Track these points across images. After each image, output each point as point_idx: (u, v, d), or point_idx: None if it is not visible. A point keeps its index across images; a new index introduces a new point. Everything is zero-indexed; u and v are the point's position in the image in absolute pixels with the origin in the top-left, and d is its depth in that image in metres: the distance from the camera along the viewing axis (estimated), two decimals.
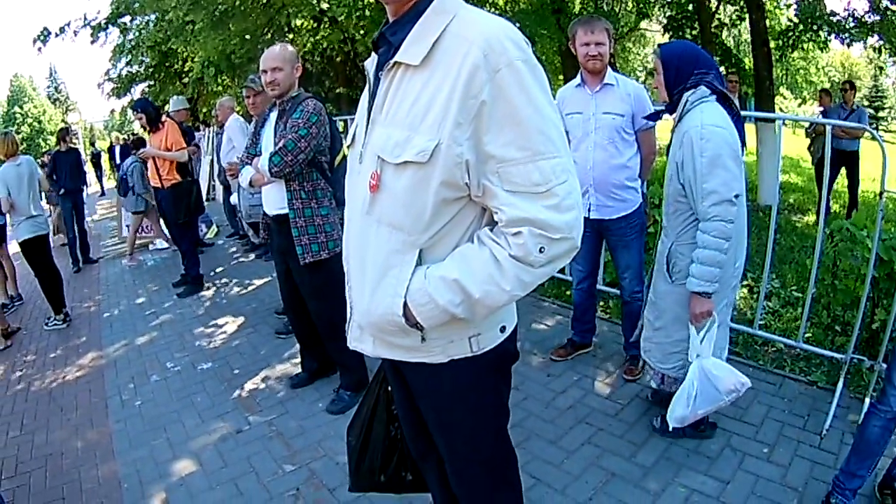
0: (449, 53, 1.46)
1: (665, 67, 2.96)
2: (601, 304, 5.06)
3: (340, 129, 4.72)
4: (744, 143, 2.91)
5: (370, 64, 1.72)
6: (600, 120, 3.73)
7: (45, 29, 13.23)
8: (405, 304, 1.56)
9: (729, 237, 2.78)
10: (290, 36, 12.31)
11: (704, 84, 2.83)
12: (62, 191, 8.86)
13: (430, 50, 1.48)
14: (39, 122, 55.04)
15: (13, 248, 7.74)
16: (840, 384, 3.70)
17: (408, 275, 1.55)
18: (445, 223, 1.56)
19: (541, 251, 1.46)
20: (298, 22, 12.27)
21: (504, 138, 1.43)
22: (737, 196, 2.75)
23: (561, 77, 12.60)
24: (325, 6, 10.16)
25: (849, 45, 10.74)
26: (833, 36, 10.88)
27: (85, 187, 9.74)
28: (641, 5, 14.56)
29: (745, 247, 3.04)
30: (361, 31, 11.68)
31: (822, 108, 10.54)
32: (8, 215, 6.53)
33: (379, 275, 1.60)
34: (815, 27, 10.73)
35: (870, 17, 10.28)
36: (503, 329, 1.76)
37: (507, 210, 1.46)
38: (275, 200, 3.82)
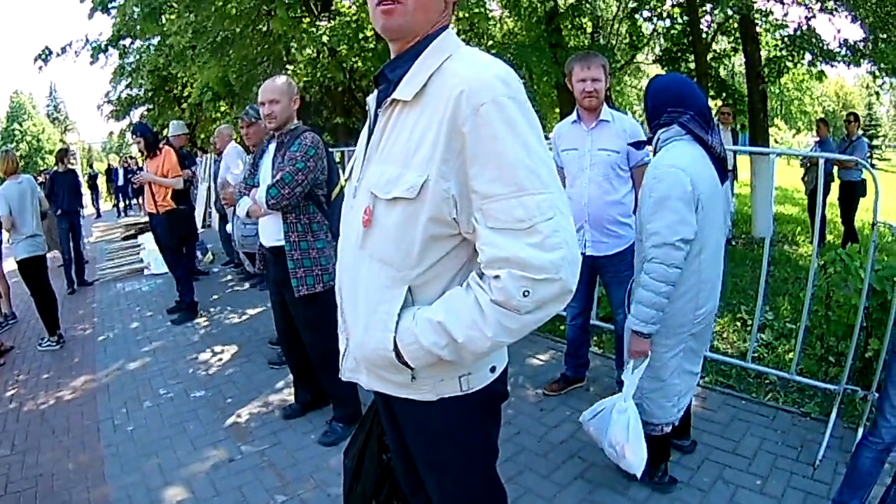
0: (439, 90, 1.48)
1: (645, 101, 2.99)
2: (594, 338, 5.07)
3: (337, 160, 4.74)
4: (734, 179, 2.89)
5: (371, 100, 1.74)
6: (595, 156, 3.76)
7: (47, 48, 13.29)
8: (395, 342, 1.56)
9: (669, 281, 2.73)
10: (290, 68, 12.38)
11: (678, 124, 2.81)
12: (59, 212, 8.88)
13: (423, 87, 1.51)
14: (38, 141, 55.07)
15: (7, 266, 7.75)
16: (833, 415, 3.71)
17: (396, 310, 1.56)
18: (436, 261, 1.56)
19: (525, 295, 1.40)
20: (295, 52, 12.36)
21: (488, 174, 1.42)
22: (682, 241, 2.68)
23: (557, 111, 12.70)
24: (325, 39, 10.22)
25: (848, 66, 10.84)
26: (823, 63, 10.99)
27: (81, 209, 9.73)
28: (634, 38, 14.69)
29: (713, 293, 2.94)
30: (360, 64, 11.77)
31: (818, 139, 10.65)
32: (7, 233, 6.53)
33: (370, 309, 1.61)
34: (804, 52, 10.84)
35: (862, 44, 10.40)
36: (493, 369, 1.75)
37: (487, 250, 1.44)
38: (271, 232, 3.84)
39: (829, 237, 9.85)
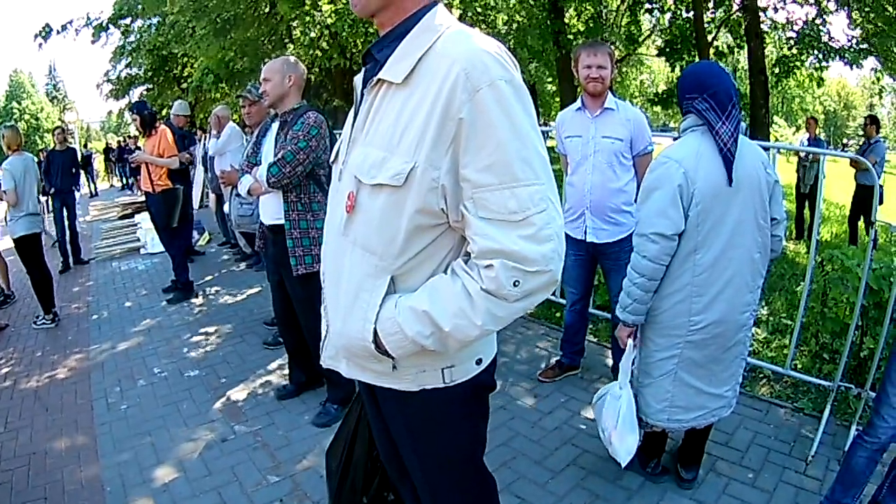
0: (431, 72, 1.42)
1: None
2: (590, 326, 5.07)
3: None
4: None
5: (358, 80, 1.69)
6: (599, 143, 3.75)
7: (48, 25, 13.26)
8: (375, 332, 1.52)
9: (642, 273, 2.69)
10: (290, 47, 12.33)
11: (692, 111, 2.68)
12: (52, 190, 8.82)
13: (413, 68, 1.44)
14: (37, 120, 54.97)
15: (2, 244, 7.72)
16: (827, 411, 3.71)
17: (378, 300, 1.51)
18: (420, 250, 1.51)
19: (515, 285, 1.39)
20: (298, 33, 12.32)
21: (481, 162, 1.37)
22: (657, 234, 2.60)
23: (557, 99, 12.69)
24: (329, 21, 10.19)
25: (851, 67, 10.91)
26: (835, 59, 11.03)
27: (76, 189, 9.62)
28: (634, 31, 14.65)
29: (716, 305, 2.71)
30: (360, 46, 11.73)
31: (808, 137, 10.65)
32: (8, 209, 6.51)
33: (351, 297, 1.57)
34: (811, 50, 10.88)
35: (868, 41, 10.47)
36: (479, 362, 1.71)
37: (479, 241, 1.40)
38: (272, 210, 3.84)
39: (825, 235, 9.86)
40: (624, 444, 2.93)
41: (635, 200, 3.77)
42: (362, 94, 1.62)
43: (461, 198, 1.43)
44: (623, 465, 2.97)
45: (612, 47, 3.89)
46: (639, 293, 2.74)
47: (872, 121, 9.44)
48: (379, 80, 1.51)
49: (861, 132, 10.19)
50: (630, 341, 2.93)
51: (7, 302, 7.56)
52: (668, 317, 2.78)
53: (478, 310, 1.42)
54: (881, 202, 8.82)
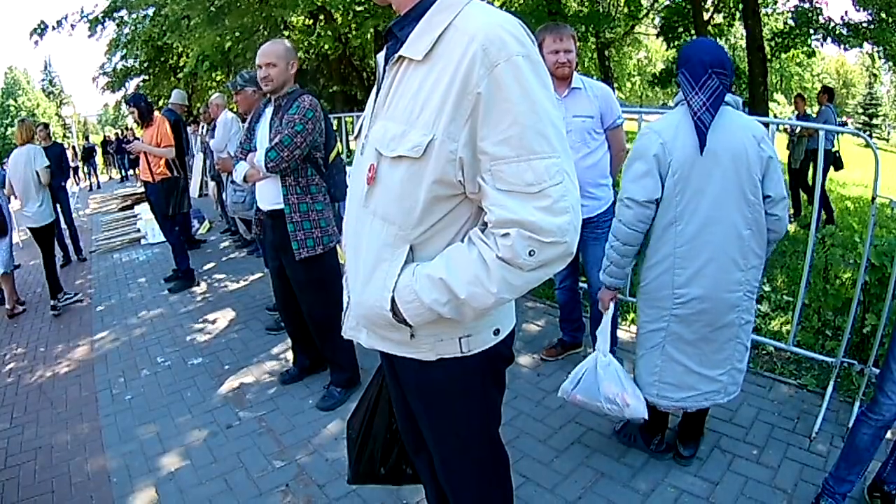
0: (450, 48, 1.44)
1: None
2: (585, 305, 5.06)
3: (335, 127, 4.72)
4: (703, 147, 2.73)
5: (380, 57, 1.72)
6: (571, 123, 3.77)
7: (43, 22, 13.22)
8: (393, 300, 1.55)
9: (619, 237, 2.82)
10: (286, 33, 12.27)
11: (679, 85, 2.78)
12: None
13: (433, 45, 1.47)
14: (33, 116, 54.54)
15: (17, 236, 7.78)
16: (830, 387, 3.72)
17: (397, 269, 1.54)
18: (438, 220, 1.54)
19: (530, 254, 1.42)
20: (294, 19, 12.25)
21: (499, 135, 1.40)
22: (631, 199, 2.72)
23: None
24: (319, 2, 10.13)
25: (845, 49, 10.92)
26: (829, 40, 11.02)
27: (64, 183, 9.45)
28: (632, 8, 14.58)
29: (700, 279, 2.73)
30: (355, 30, 11.67)
31: (798, 114, 10.72)
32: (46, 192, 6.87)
33: (371, 267, 1.60)
34: (810, 31, 10.86)
35: (865, 24, 10.46)
36: (497, 332, 1.74)
37: (496, 211, 1.43)
38: (270, 196, 3.81)
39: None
40: (639, 399, 2.98)
41: (611, 173, 3.98)
42: (384, 71, 1.65)
43: (478, 170, 1.46)
44: (647, 416, 3.01)
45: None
46: (615, 256, 2.87)
47: (825, 90, 9.98)
48: (400, 56, 1.55)
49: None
50: (611, 307, 3.06)
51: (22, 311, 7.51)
52: (653, 287, 2.86)
53: (493, 277, 1.46)
54: (839, 167, 9.01)
